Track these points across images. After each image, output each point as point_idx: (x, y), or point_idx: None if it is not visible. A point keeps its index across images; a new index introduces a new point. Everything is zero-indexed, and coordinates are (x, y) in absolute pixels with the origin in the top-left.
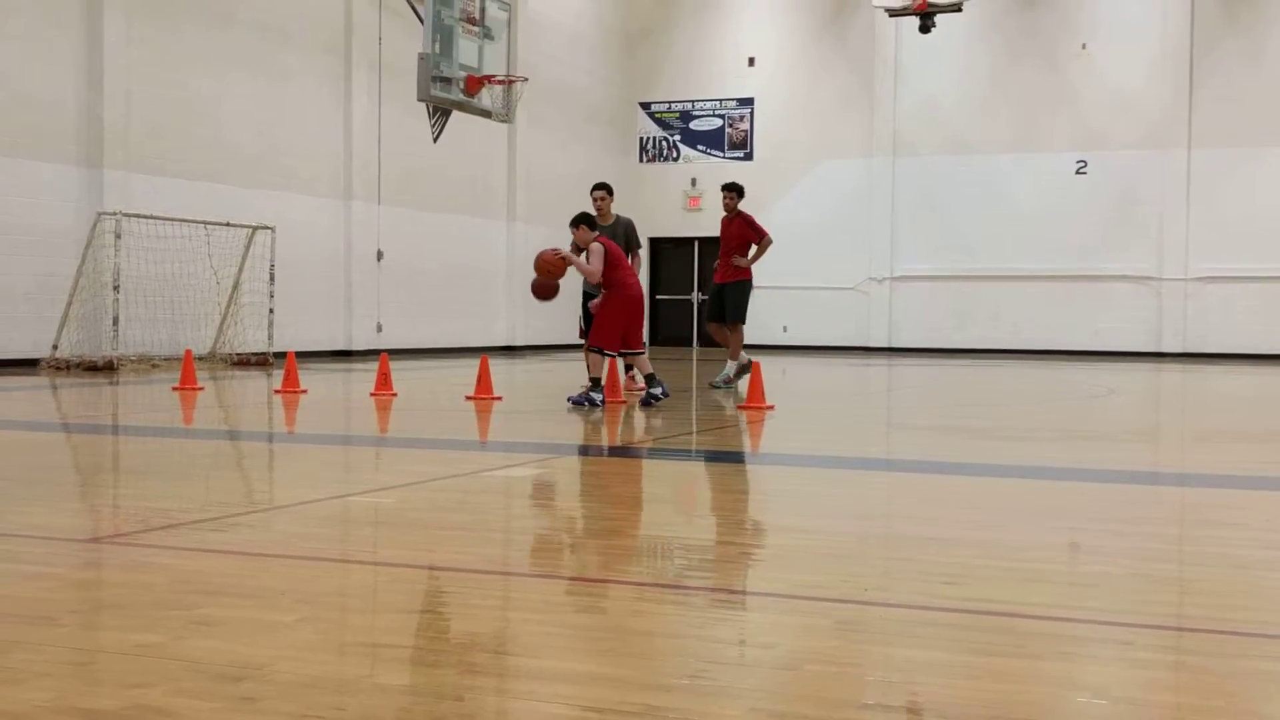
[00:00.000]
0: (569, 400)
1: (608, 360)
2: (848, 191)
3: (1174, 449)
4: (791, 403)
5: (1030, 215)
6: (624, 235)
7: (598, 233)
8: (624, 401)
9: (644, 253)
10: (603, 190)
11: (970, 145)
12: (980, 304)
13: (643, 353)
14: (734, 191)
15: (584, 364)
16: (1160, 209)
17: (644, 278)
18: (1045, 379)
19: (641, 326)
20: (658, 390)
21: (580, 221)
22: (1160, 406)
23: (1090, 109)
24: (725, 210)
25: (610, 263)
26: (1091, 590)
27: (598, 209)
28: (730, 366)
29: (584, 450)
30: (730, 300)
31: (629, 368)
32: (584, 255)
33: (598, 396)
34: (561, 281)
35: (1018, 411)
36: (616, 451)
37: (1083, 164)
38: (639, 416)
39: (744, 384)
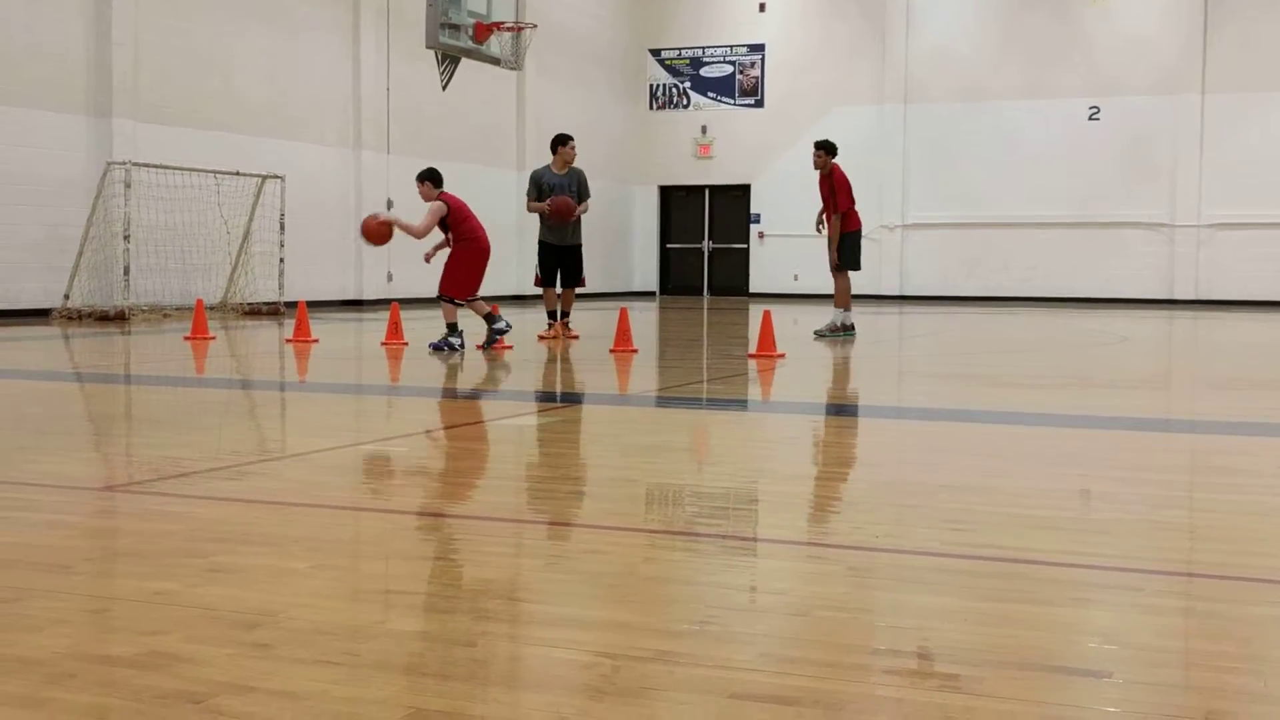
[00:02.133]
0: (429, 346)
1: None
2: (859, 139)
3: (1185, 396)
4: (802, 351)
5: (1042, 162)
6: (576, 185)
7: (440, 190)
8: (509, 347)
9: (653, 200)
10: (573, 140)
11: (982, 92)
12: (992, 251)
13: (461, 303)
14: (822, 149)
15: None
16: (1173, 155)
17: (653, 226)
18: (1057, 326)
19: (482, 277)
20: (455, 340)
21: (424, 178)
22: (1172, 353)
23: (1103, 55)
24: (816, 168)
25: (457, 216)
26: (1102, 536)
27: (567, 158)
28: (836, 315)
29: (594, 399)
30: (849, 248)
31: (564, 315)
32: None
33: (456, 341)
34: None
35: (1029, 359)
36: (627, 400)
37: (1095, 110)
38: (641, 366)
39: (754, 333)
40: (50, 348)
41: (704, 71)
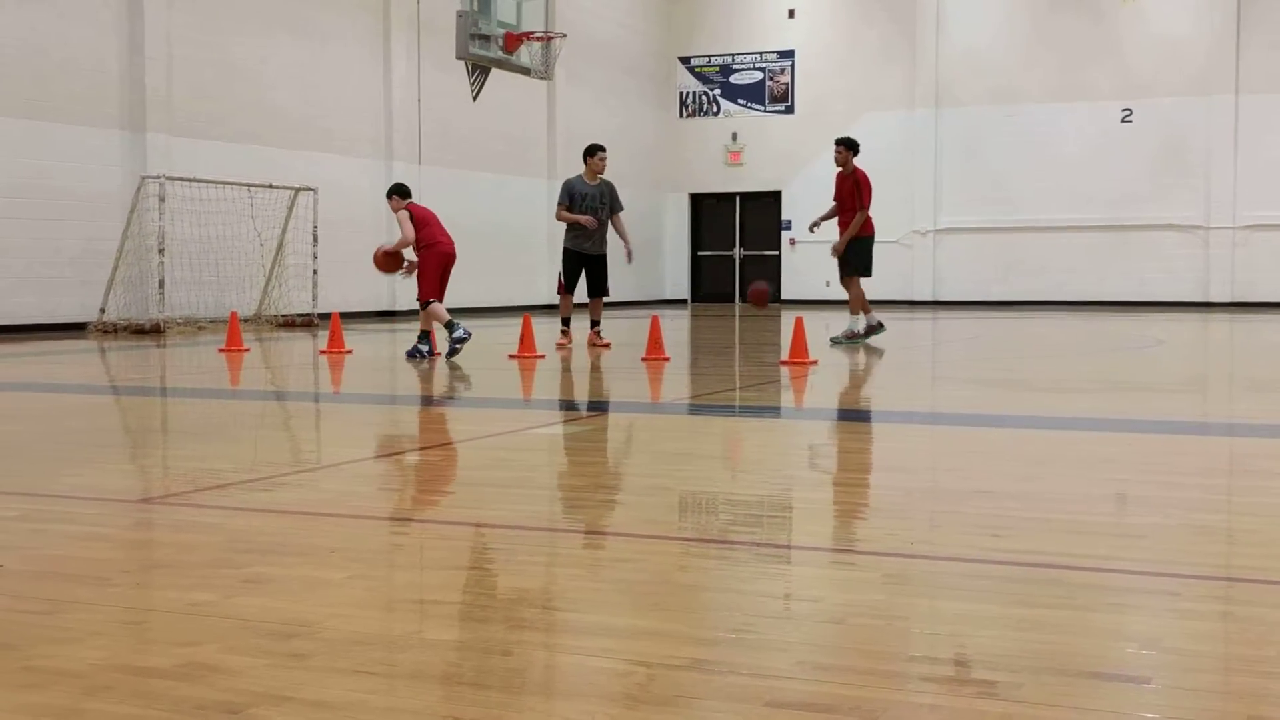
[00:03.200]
0: (444, 356)
1: (435, 308)
2: (890, 144)
3: (1223, 399)
4: (834, 357)
5: (1075, 165)
6: (609, 196)
7: (408, 201)
8: (541, 355)
9: (684, 208)
10: (604, 152)
11: (1013, 95)
12: (1025, 256)
13: (435, 302)
14: (843, 146)
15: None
16: (1207, 156)
17: (684, 233)
18: (1091, 330)
19: (446, 281)
20: (425, 347)
21: (391, 194)
22: (1208, 356)
23: (1135, 56)
24: (839, 165)
25: (419, 223)
26: (1140, 541)
27: (597, 169)
28: (856, 322)
29: (626, 407)
30: (849, 254)
31: (595, 323)
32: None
33: (425, 348)
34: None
35: (1064, 363)
36: (659, 408)
37: (1128, 112)
38: (679, 374)
39: (786, 338)
40: (87, 361)
41: (734, 78)
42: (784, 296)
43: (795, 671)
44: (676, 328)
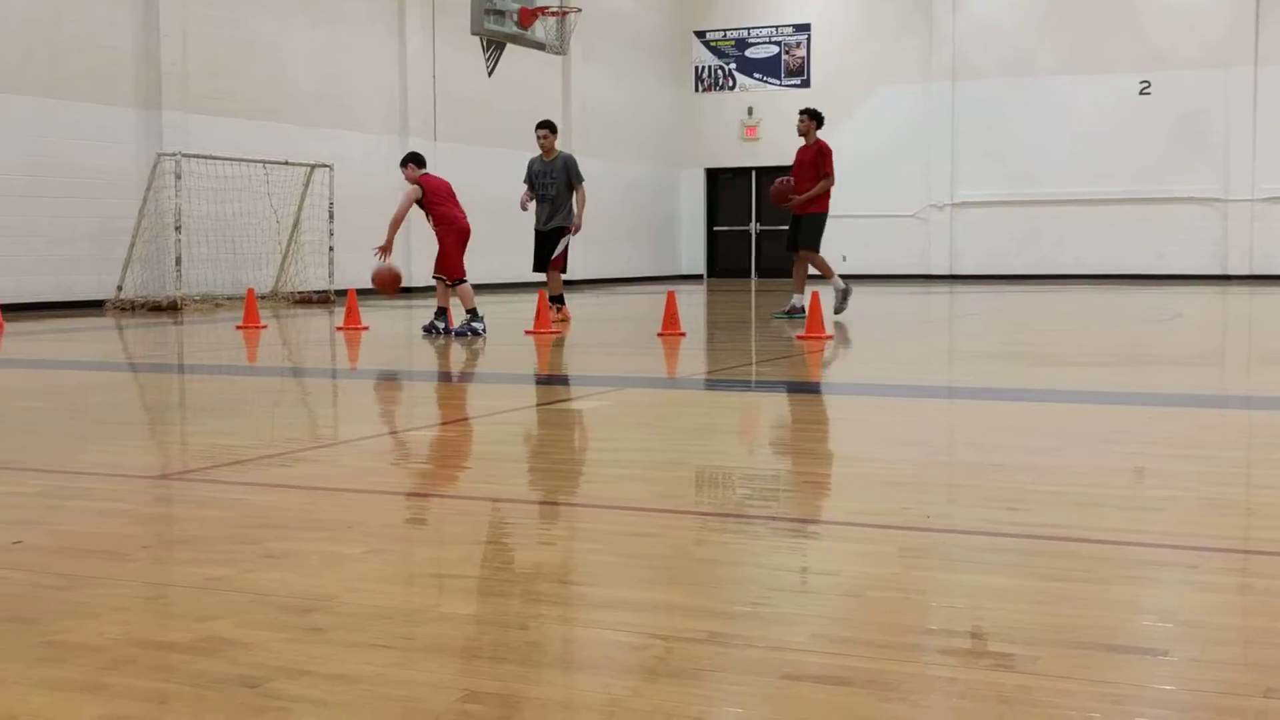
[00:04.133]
0: (452, 334)
1: (451, 286)
2: (907, 117)
3: (1240, 372)
4: (851, 332)
5: (1093, 138)
6: (564, 171)
7: (423, 172)
8: (556, 332)
9: (700, 183)
10: (546, 129)
11: (1031, 67)
12: (1042, 229)
13: (466, 281)
14: (808, 116)
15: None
16: (1226, 129)
17: (699, 209)
18: (1109, 303)
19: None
20: (441, 324)
21: (406, 161)
22: (1227, 329)
23: (1153, 27)
24: (800, 135)
25: (436, 199)
26: (1157, 514)
27: (543, 146)
28: (839, 284)
29: (642, 382)
30: (805, 228)
31: (559, 300)
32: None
33: (479, 326)
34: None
35: (1081, 337)
36: (676, 383)
37: (1146, 84)
38: (688, 350)
39: (804, 313)
40: (105, 338)
41: (749, 53)
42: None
43: (812, 645)
44: (692, 303)
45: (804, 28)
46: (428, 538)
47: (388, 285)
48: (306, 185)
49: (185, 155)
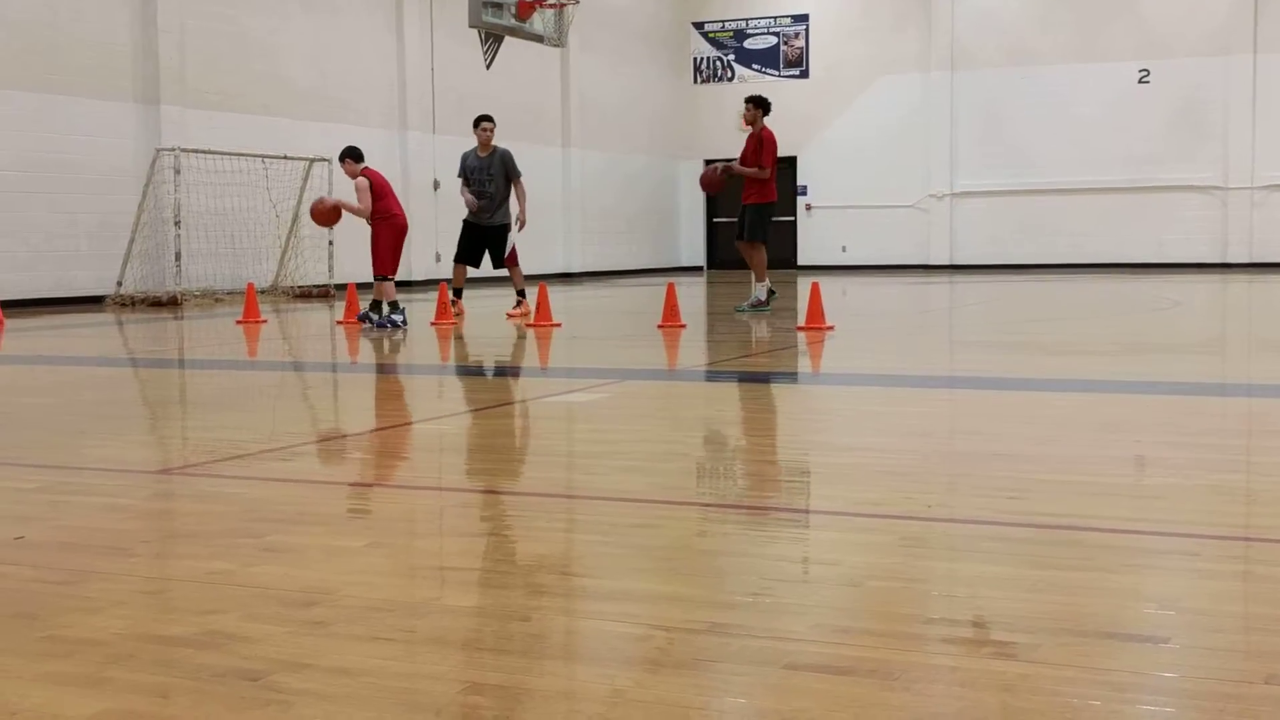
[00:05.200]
0: (374, 324)
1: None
2: (906, 107)
3: (1240, 359)
4: (851, 323)
5: (1092, 126)
6: (502, 165)
7: (363, 165)
8: (451, 322)
9: (699, 174)
10: (489, 122)
11: (1030, 57)
12: (1042, 218)
13: (392, 279)
14: (754, 104)
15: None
16: (1225, 117)
17: (698, 201)
18: (1109, 292)
19: (400, 253)
20: (376, 316)
21: (345, 156)
22: (1226, 317)
23: (1152, 16)
24: (747, 124)
25: (377, 193)
26: (1158, 502)
27: (483, 140)
28: (759, 289)
29: (642, 374)
30: (749, 219)
31: (520, 293)
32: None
33: (399, 318)
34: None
35: (1081, 326)
36: (676, 375)
37: (1145, 73)
38: (689, 341)
39: (803, 304)
40: (105, 334)
41: (748, 44)
42: (800, 262)
43: (813, 634)
44: (692, 295)
45: (802, 18)
46: (428, 530)
47: (325, 217)
48: (305, 179)
49: (184, 150)
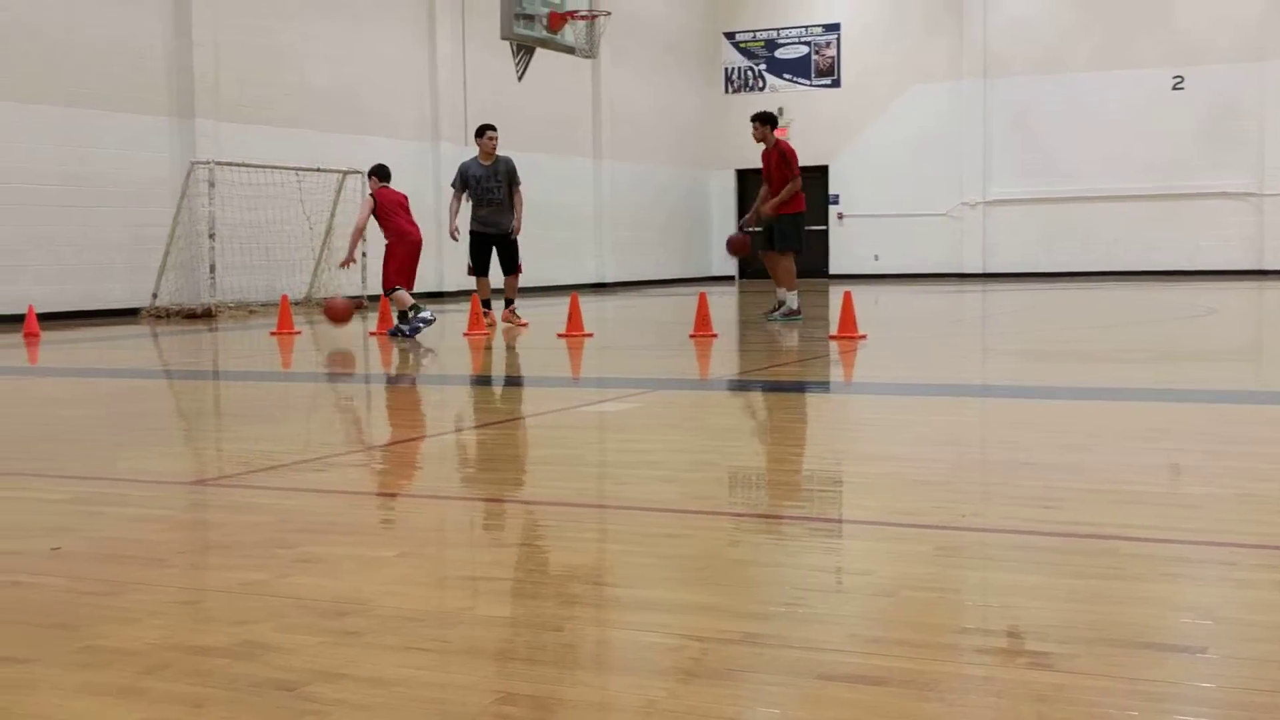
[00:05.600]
0: (389, 334)
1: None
2: (937, 116)
3: (1276, 367)
4: (884, 332)
5: (1126, 134)
6: (507, 174)
7: (383, 184)
8: (485, 333)
9: (730, 185)
10: (495, 131)
11: (1062, 64)
12: (1076, 226)
13: (402, 289)
14: (759, 121)
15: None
16: (1260, 123)
17: (730, 210)
18: (1143, 300)
19: (415, 269)
20: (406, 328)
21: (371, 173)
22: (1262, 325)
23: (1185, 22)
24: (758, 141)
25: (383, 212)
26: (1193, 511)
27: (488, 149)
28: (790, 298)
29: (674, 384)
30: (781, 230)
31: (510, 301)
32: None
33: (407, 328)
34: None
35: (1114, 333)
36: (707, 384)
37: (1179, 79)
38: (721, 350)
39: (835, 314)
40: (140, 346)
41: (779, 53)
42: (832, 271)
43: (847, 645)
44: (724, 305)
45: (834, 27)
46: (461, 540)
47: (340, 315)
48: (339, 191)
49: (218, 163)
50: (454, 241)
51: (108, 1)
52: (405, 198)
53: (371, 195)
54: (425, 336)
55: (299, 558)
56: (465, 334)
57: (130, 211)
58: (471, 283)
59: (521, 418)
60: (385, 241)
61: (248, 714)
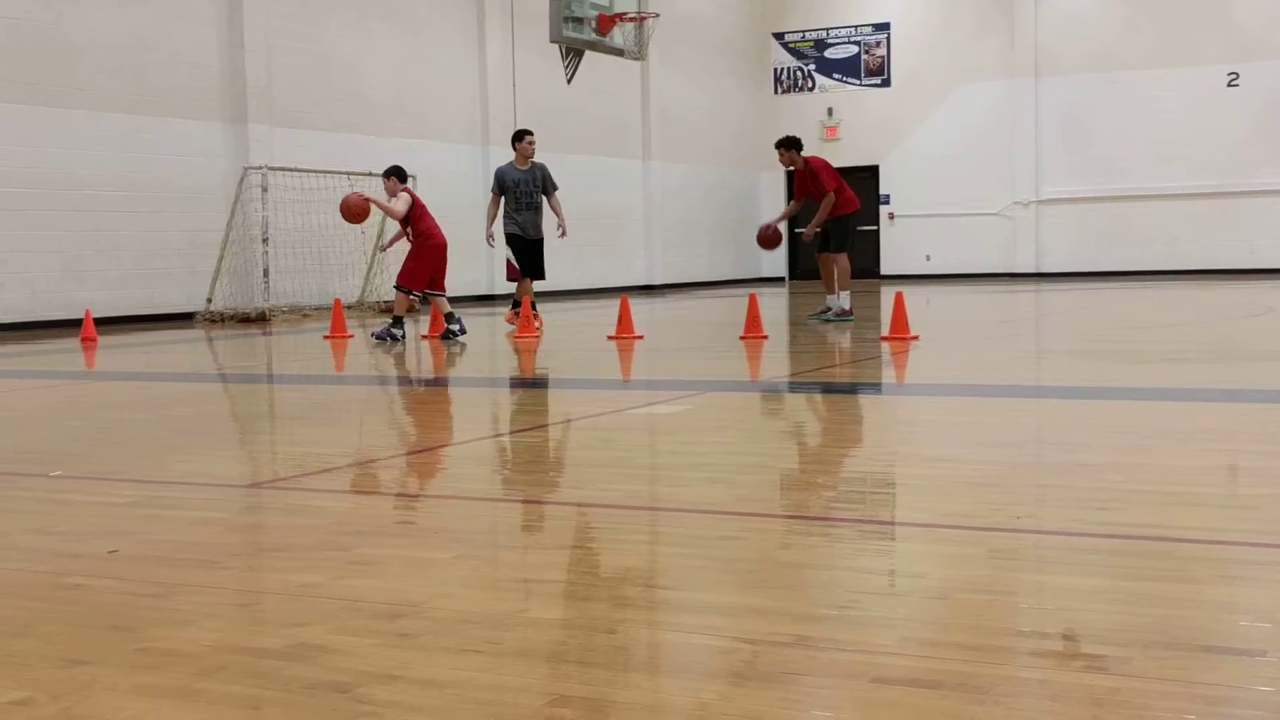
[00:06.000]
0: (373, 335)
1: (412, 299)
2: (989, 114)
3: None
4: (936, 332)
5: (1180, 131)
6: (541, 179)
7: (404, 185)
8: (536, 335)
9: (780, 186)
10: (533, 135)
11: (1115, 61)
12: (1129, 224)
13: (443, 294)
14: (784, 147)
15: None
16: None
17: (780, 212)
18: (1200, 299)
19: (445, 271)
20: (455, 327)
21: (388, 174)
22: None
23: (1240, 18)
24: (787, 166)
25: (416, 214)
26: (1252, 513)
27: (527, 153)
28: (843, 298)
29: (725, 385)
30: (834, 231)
31: (516, 304)
32: (393, 202)
33: (399, 332)
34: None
35: (1170, 333)
36: (760, 386)
37: (1234, 76)
38: (773, 351)
39: (887, 314)
40: (195, 350)
41: (828, 53)
42: (884, 272)
43: (901, 648)
44: (774, 306)
45: (883, 27)
46: (513, 543)
47: (355, 212)
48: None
49: (271, 168)
50: (490, 246)
51: (166, 12)
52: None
53: (408, 195)
54: (473, 337)
55: (353, 560)
56: (516, 336)
57: (186, 217)
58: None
59: (573, 420)
60: (412, 244)
61: (303, 716)
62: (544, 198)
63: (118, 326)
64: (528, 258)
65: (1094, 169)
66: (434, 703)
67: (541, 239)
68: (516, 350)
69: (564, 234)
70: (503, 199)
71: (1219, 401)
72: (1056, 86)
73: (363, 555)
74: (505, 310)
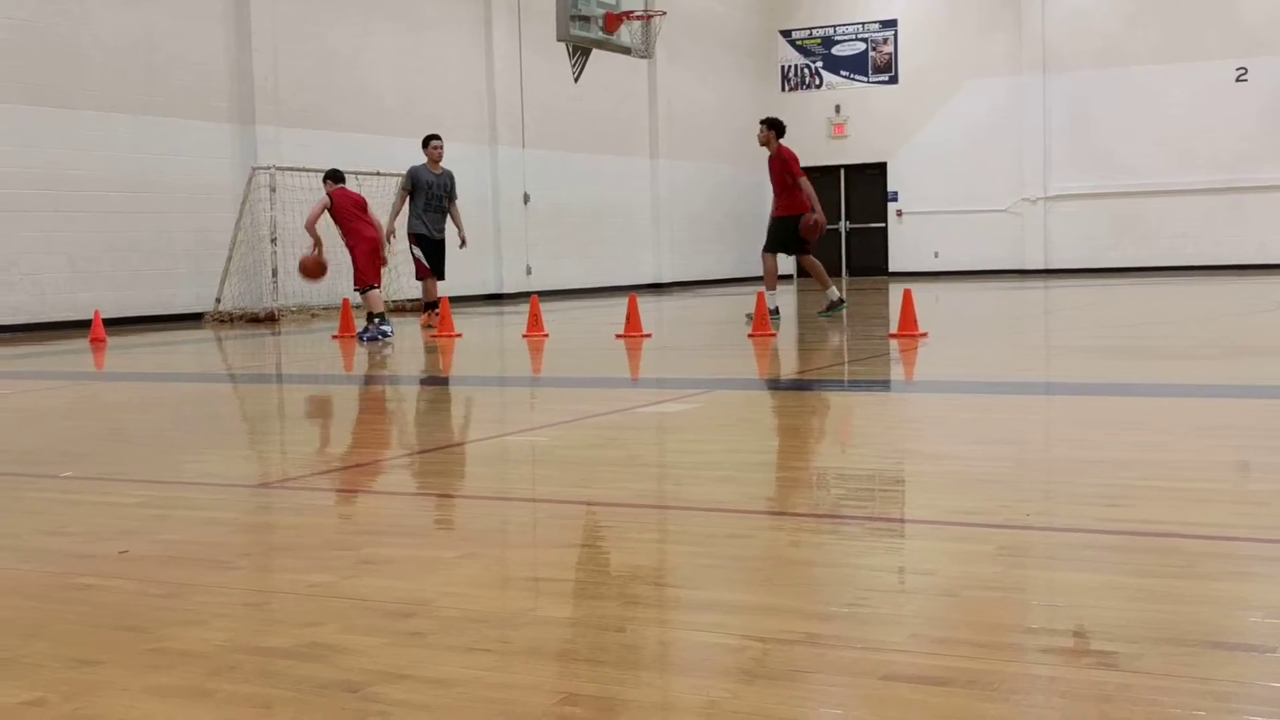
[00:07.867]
0: (362, 338)
1: (375, 290)
2: (996, 111)
3: None
4: (944, 329)
5: (1188, 126)
6: (450, 185)
7: (338, 185)
8: (457, 334)
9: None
10: (440, 140)
11: (1123, 57)
12: (1138, 220)
13: (378, 288)
14: (767, 125)
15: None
16: None
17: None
18: (1209, 295)
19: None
20: (387, 329)
21: (326, 177)
22: None
23: (1247, 13)
24: (761, 145)
25: (340, 214)
26: (1263, 509)
27: (434, 158)
28: (830, 291)
29: (734, 383)
30: (775, 231)
31: (430, 306)
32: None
33: (388, 329)
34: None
35: (1180, 329)
36: (768, 384)
37: (1243, 71)
38: (781, 349)
39: (895, 311)
40: (204, 350)
41: (836, 50)
42: (892, 269)
43: (910, 645)
44: (783, 303)
45: (890, 23)
46: (522, 541)
47: (312, 272)
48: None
49: (279, 169)
50: (389, 242)
51: (173, 13)
52: (363, 199)
53: (329, 198)
54: (481, 335)
55: (363, 559)
56: (523, 335)
57: (194, 217)
58: (533, 284)
59: (581, 419)
60: (345, 242)
61: (314, 715)
62: (449, 203)
63: (127, 327)
64: (433, 257)
65: (1102, 165)
66: (444, 701)
67: (444, 240)
68: (435, 350)
69: (464, 244)
70: (409, 198)
71: (1229, 397)
72: (1064, 82)
73: (372, 554)
74: (523, 310)
